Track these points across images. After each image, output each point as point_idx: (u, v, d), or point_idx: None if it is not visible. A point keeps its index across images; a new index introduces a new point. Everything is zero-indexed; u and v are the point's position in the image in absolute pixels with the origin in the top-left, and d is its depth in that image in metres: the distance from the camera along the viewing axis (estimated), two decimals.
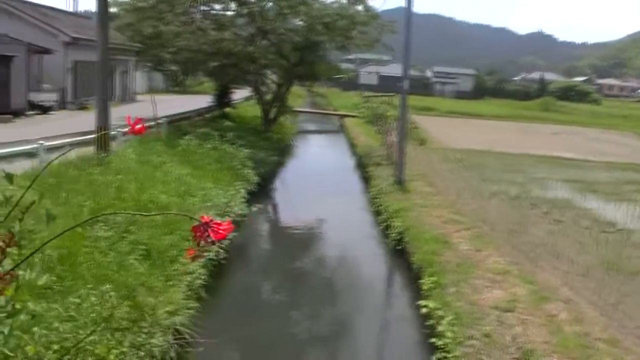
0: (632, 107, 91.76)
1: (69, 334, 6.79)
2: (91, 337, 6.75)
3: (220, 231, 2.45)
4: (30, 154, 13.69)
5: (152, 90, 43.11)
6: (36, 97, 31.06)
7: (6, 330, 2.73)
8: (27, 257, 2.83)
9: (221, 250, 11.88)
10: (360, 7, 27.84)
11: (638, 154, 34.48)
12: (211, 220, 2.47)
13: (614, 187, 22.46)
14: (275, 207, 21.51)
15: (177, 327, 8.74)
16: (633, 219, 16.85)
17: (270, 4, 28.16)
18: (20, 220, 3.31)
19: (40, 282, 5.87)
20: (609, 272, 11.66)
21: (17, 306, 3.12)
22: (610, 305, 9.91)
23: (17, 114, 28.19)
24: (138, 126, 3.33)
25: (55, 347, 6.50)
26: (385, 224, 16.62)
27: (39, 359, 6.23)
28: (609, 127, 58.00)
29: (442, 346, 8.79)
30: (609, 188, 22.06)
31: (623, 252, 13.22)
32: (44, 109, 31.04)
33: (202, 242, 2.46)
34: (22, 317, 5.85)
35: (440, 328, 9.18)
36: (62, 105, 33.83)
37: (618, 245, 13.70)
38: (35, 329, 6.51)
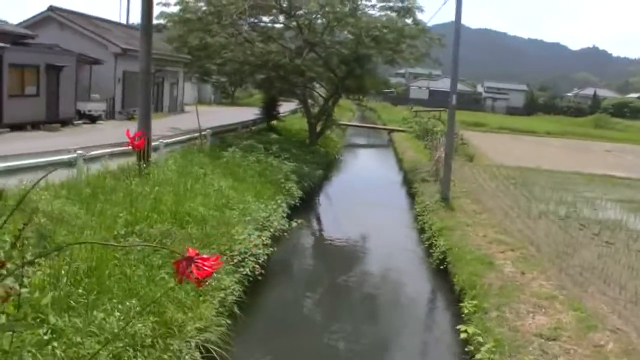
0: None
1: (89, 349, 6.58)
2: (107, 353, 6.53)
3: (206, 267, 2.23)
4: (69, 164, 13.63)
5: (199, 101, 43.38)
6: (85, 106, 31.42)
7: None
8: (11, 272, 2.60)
9: (257, 266, 11.66)
10: (409, 21, 27.49)
11: None
12: (197, 255, 2.25)
13: None
14: (317, 222, 21.21)
15: (206, 344, 8.50)
16: None
17: (319, 16, 28.01)
18: (18, 237, 3.07)
19: (44, 301, 5.67)
20: None
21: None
22: None
23: (65, 123, 28.54)
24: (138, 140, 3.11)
25: None
26: (428, 242, 16.23)
27: None
28: None
29: None
30: None
31: None
32: (93, 119, 31.40)
33: (185, 279, 2.25)
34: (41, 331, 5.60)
35: (478, 356, 8.75)
36: (110, 115, 34.23)
37: None
38: (54, 343, 6.32)
